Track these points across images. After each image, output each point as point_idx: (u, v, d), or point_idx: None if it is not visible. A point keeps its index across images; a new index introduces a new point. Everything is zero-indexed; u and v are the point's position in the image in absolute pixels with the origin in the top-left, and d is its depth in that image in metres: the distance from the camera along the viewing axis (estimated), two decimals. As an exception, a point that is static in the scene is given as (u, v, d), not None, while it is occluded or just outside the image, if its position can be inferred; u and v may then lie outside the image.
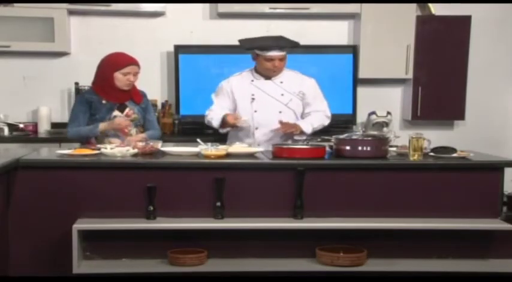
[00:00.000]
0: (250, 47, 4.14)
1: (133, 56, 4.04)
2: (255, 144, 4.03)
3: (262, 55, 4.07)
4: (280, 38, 4.16)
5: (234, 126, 4.07)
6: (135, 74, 3.95)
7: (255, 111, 4.13)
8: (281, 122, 4.04)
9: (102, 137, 3.96)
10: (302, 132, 4.08)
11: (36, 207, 3.35)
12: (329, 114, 4.23)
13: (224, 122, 4.07)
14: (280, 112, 4.10)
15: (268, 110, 4.11)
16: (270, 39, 4.18)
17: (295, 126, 4.07)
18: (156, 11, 5.46)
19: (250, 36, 4.29)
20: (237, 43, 4.21)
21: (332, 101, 5.50)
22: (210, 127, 4.30)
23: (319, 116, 4.17)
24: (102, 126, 3.89)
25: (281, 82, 4.14)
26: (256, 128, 4.15)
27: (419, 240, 3.49)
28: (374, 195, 3.47)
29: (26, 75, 5.49)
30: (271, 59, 4.06)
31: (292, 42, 4.17)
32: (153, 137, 3.97)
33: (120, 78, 3.91)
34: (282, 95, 4.12)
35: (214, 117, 4.13)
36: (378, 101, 5.60)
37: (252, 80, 4.16)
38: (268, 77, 4.14)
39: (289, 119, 4.10)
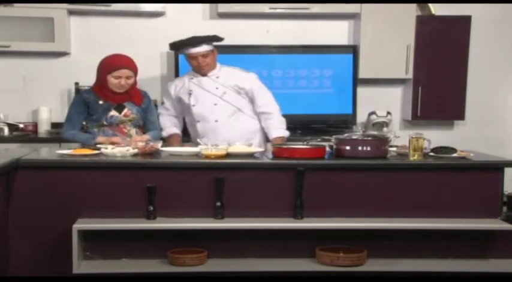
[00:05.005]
0: (174, 48, 4.42)
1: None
2: (199, 137, 4.11)
3: (187, 54, 4.25)
4: (197, 37, 4.27)
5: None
6: (128, 78, 3.92)
7: (193, 105, 4.29)
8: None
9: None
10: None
11: (36, 207, 3.35)
12: (275, 103, 4.37)
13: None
14: (215, 104, 4.26)
15: (204, 103, 4.27)
16: (188, 39, 4.29)
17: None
18: (156, 11, 5.45)
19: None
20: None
21: (332, 101, 5.55)
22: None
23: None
24: (99, 139, 3.89)
25: (217, 77, 4.28)
26: (198, 121, 4.30)
27: (419, 240, 3.49)
28: (374, 195, 3.47)
29: (26, 75, 5.48)
30: (194, 57, 4.22)
31: (209, 37, 4.27)
32: (155, 138, 3.99)
33: (112, 81, 3.91)
34: (217, 88, 4.26)
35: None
36: (378, 101, 5.59)
37: (191, 78, 4.32)
38: (204, 74, 4.29)
39: (225, 110, 4.26)
